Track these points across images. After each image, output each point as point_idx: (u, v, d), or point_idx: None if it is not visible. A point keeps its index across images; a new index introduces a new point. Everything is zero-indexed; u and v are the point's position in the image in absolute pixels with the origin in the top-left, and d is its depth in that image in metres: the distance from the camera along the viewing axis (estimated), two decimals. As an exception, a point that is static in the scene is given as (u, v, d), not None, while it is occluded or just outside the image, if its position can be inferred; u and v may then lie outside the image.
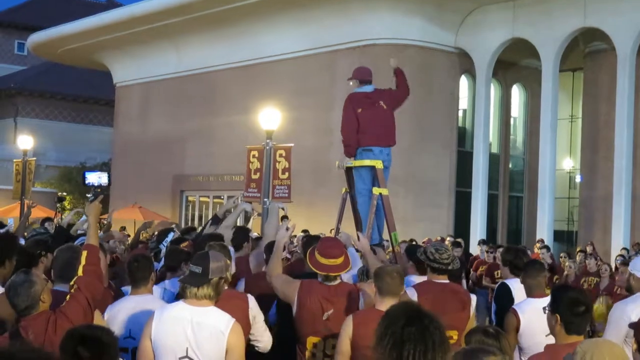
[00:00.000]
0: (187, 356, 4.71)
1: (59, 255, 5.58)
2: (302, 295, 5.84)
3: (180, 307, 4.85)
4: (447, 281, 6.30)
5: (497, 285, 6.86)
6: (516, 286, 6.59)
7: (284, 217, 17.34)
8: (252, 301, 5.63)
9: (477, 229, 25.23)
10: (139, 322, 5.40)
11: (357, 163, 8.88)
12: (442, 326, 3.34)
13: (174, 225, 18.96)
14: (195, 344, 4.71)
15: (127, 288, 6.20)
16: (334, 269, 5.87)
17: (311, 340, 5.77)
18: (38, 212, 26.05)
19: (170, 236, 8.55)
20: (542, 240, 19.96)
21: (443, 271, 6.23)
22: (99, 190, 5.77)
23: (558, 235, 25.64)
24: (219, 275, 4.85)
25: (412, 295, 6.02)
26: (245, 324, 5.34)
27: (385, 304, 5.28)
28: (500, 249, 15.38)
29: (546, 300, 5.25)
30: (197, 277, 4.81)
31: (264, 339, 5.73)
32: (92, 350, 3.78)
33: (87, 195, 29.96)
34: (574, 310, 4.75)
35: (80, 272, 4.83)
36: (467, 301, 6.25)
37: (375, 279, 5.50)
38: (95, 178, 5.90)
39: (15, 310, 4.66)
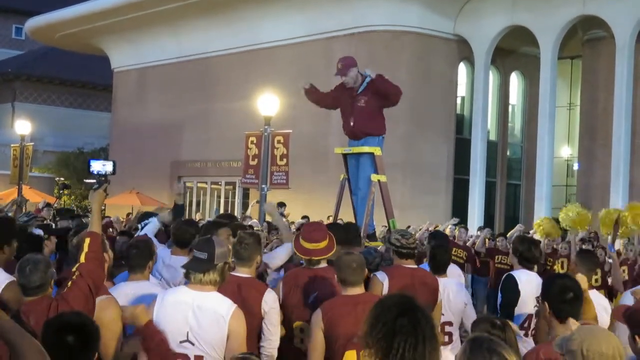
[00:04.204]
0: (187, 340, 4.73)
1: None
2: (287, 285, 5.93)
3: (183, 292, 4.88)
4: (415, 266, 6.39)
5: (503, 277, 6.86)
6: (523, 278, 6.61)
7: (281, 204, 17.38)
8: (269, 294, 5.59)
9: (475, 216, 25.28)
10: None
11: (356, 150, 8.85)
12: (432, 320, 3.33)
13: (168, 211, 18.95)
14: (196, 328, 4.73)
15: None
16: (316, 253, 5.98)
17: (297, 325, 5.84)
18: (34, 197, 26.05)
19: (152, 220, 8.57)
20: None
21: (411, 255, 6.30)
22: (103, 178, 5.73)
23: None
24: (223, 261, 4.88)
25: (383, 279, 6.10)
26: (257, 313, 5.42)
27: (348, 292, 5.39)
28: (500, 237, 15.49)
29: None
30: (203, 263, 4.82)
31: (271, 341, 5.56)
32: (80, 338, 3.74)
33: (85, 180, 29.85)
34: (563, 297, 4.77)
35: (82, 258, 4.84)
36: (435, 286, 6.32)
37: (336, 269, 5.53)
38: (100, 166, 5.88)
39: (24, 288, 4.66)
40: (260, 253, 6.05)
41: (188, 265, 4.91)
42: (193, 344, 4.73)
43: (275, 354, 5.60)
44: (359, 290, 5.40)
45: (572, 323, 4.61)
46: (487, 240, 16.30)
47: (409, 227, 15.79)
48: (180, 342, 4.73)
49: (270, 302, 5.56)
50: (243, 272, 5.66)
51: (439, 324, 6.23)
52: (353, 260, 5.48)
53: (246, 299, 5.39)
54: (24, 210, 11.47)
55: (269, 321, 5.53)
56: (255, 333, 5.44)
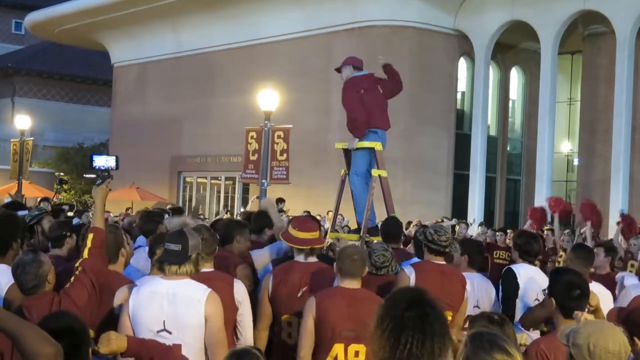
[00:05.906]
0: (164, 329, 4.70)
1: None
2: (277, 278, 5.89)
3: (157, 282, 4.84)
4: (444, 262, 6.36)
5: (503, 271, 6.89)
6: (522, 272, 6.64)
7: (280, 200, 17.39)
8: (238, 285, 5.53)
9: (475, 211, 25.26)
10: None
11: (358, 145, 8.86)
12: (443, 315, 3.25)
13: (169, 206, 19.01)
14: (172, 316, 4.70)
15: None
16: (315, 242, 6.01)
17: (286, 319, 5.82)
18: (34, 192, 26.04)
19: (165, 217, 8.57)
20: (550, 223, 19.88)
21: (440, 253, 6.28)
22: (106, 174, 5.71)
23: (555, 218, 25.67)
24: (196, 252, 4.85)
25: (410, 273, 6.08)
26: (230, 305, 5.28)
27: (345, 284, 5.36)
28: (499, 232, 15.51)
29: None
30: (178, 255, 4.78)
31: (245, 333, 5.53)
32: (69, 343, 3.59)
33: (85, 175, 29.85)
34: (570, 294, 4.75)
35: (85, 254, 4.84)
36: (463, 283, 6.29)
37: (337, 258, 5.52)
38: (103, 161, 5.85)
39: (20, 289, 4.66)
40: (216, 247, 5.95)
41: (162, 258, 4.85)
42: (170, 333, 4.69)
43: (251, 342, 5.52)
44: (355, 284, 5.36)
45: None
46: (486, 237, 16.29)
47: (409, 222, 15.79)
48: (158, 331, 4.69)
49: (242, 292, 5.49)
50: (204, 267, 5.46)
51: (462, 322, 6.21)
52: (356, 252, 5.49)
53: (216, 292, 5.31)
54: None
55: (244, 311, 5.47)
56: (231, 326, 5.35)
